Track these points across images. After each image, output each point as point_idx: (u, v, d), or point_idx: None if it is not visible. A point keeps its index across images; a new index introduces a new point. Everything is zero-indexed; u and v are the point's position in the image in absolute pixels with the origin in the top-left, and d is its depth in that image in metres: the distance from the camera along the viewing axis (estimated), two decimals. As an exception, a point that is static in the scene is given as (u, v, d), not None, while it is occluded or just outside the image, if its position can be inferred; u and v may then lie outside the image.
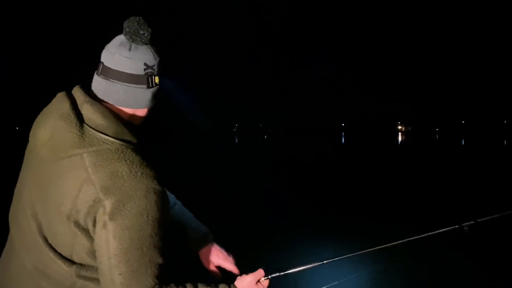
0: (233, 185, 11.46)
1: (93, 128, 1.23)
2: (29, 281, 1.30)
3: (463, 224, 1.59)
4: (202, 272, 1.54)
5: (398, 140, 66.08)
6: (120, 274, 1.16)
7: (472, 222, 1.60)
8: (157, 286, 1.18)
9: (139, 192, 1.17)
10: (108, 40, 1.34)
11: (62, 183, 1.21)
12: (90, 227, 1.20)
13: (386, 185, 12.14)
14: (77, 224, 1.21)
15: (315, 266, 1.44)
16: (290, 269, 1.42)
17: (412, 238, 1.53)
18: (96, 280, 1.25)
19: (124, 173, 1.18)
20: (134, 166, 1.20)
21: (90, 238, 1.22)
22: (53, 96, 1.37)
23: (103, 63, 1.29)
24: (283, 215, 7.57)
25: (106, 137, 1.23)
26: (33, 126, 1.38)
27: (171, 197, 1.64)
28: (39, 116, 1.37)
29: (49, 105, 1.36)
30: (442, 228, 1.58)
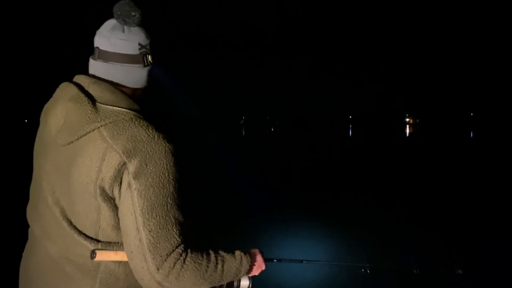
0: (236, 180, 11.44)
1: (104, 104, 1.27)
2: (53, 269, 1.33)
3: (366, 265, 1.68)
4: (219, 239, 1.57)
5: (406, 132, 65.71)
6: (149, 231, 1.18)
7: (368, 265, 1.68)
8: (182, 245, 1.22)
9: (159, 153, 1.23)
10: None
11: (84, 159, 1.24)
12: (116, 194, 1.23)
13: (390, 184, 12.08)
14: (103, 194, 1.23)
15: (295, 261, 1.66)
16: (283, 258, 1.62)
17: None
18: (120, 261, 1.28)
19: (142, 136, 1.23)
20: (150, 129, 1.25)
21: (116, 209, 1.25)
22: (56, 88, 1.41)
23: (98, 48, 1.35)
24: (284, 211, 7.57)
25: (120, 108, 1.27)
26: (41, 117, 1.42)
27: None
28: (46, 106, 1.41)
29: (54, 94, 1.40)
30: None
